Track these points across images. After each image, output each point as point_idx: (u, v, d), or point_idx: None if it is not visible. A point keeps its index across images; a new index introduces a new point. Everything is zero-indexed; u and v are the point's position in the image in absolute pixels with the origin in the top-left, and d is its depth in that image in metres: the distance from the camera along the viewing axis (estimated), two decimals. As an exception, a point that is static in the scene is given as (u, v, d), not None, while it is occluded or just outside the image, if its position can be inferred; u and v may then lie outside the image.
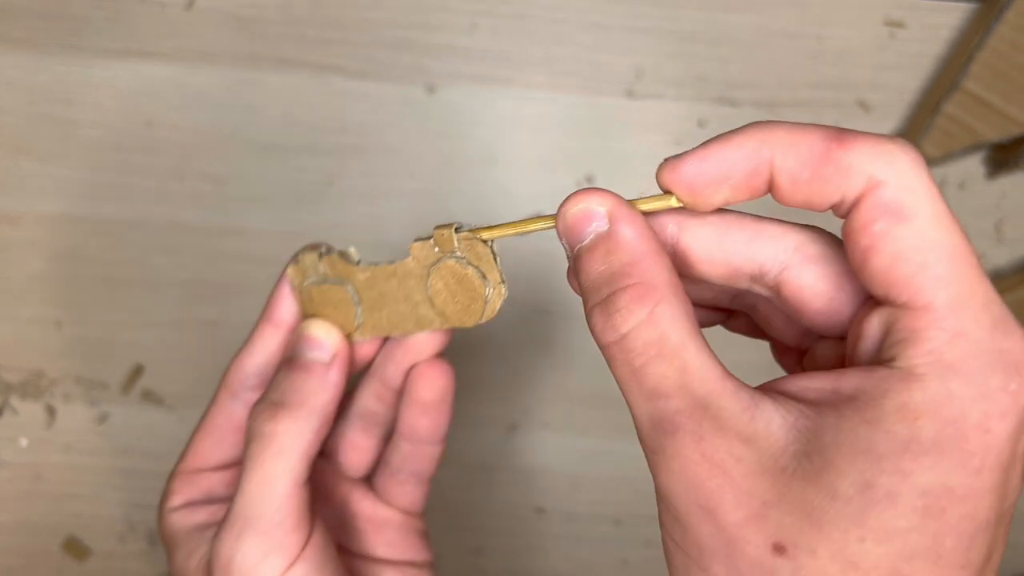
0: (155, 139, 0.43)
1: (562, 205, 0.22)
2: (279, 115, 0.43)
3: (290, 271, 0.27)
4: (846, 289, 0.21)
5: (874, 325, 0.20)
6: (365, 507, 0.30)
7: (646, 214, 0.22)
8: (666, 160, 0.21)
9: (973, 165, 0.44)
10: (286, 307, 0.28)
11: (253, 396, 0.28)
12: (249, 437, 0.25)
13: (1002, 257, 0.44)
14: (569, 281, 0.24)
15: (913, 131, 0.43)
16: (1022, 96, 0.41)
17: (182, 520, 0.28)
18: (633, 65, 0.43)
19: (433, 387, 0.28)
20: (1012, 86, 0.41)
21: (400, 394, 0.29)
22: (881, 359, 0.19)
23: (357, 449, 0.30)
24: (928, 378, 0.18)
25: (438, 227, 0.24)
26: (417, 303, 0.26)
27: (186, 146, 0.43)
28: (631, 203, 0.22)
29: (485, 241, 0.24)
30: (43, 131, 0.43)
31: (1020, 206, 0.44)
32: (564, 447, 0.45)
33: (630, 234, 0.21)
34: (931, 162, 0.42)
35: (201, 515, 0.28)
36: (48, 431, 0.44)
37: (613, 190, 0.22)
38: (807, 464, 0.18)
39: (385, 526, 0.30)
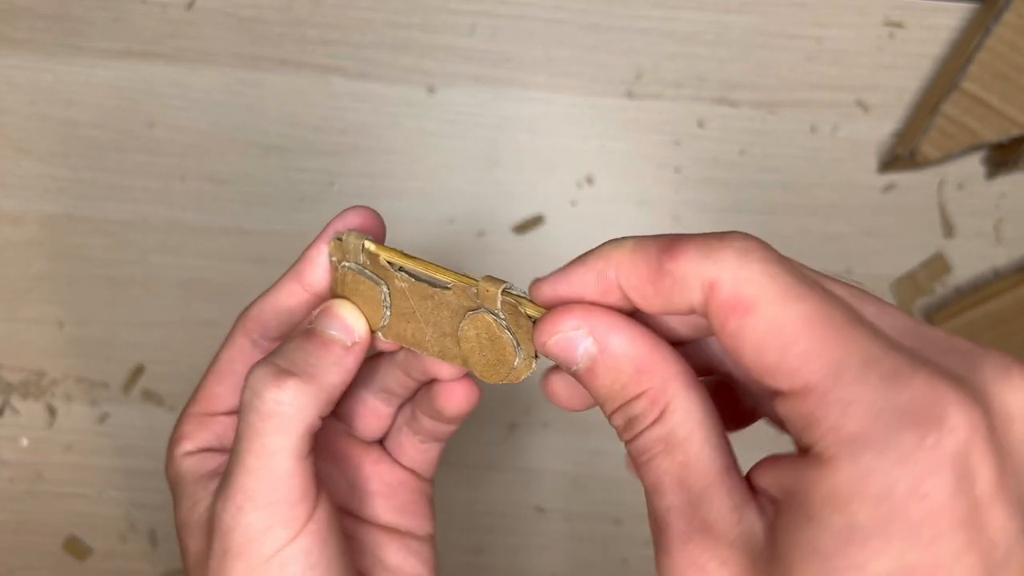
0: (156, 139, 0.43)
1: (537, 334, 0.21)
2: (280, 115, 0.43)
3: (331, 245, 0.26)
4: None
5: (781, 417, 0.19)
6: (380, 470, 0.30)
7: (530, 318, 0.22)
8: (535, 281, 0.22)
9: (972, 165, 0.44)
10: (318, 273, 0.26)
11: (272, 346, 0.27)
12: (247, 400, 0.24)
13: (1001, 257, 0.44)
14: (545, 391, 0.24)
15: (912, 132, 0.43)
16: (1021, 97, 0.41)
17: (193, 466, 0.27)
18: (633, 65, 0.43)
19: (458, 406, 0.27)
20: (1011, 86, 0.41)
21: (422, 384, 0.28)
22: (801, 449, 0.19)
23: (374, 415, 0.30)
24: (839, 459, 0.17)
25: (487, 278, 0.23)
26: (445, 334, 0.25)
27: (187, 146, 0.43)
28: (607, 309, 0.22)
29: (530, 317, 0.23)
30: (45, 131, 0.43)
31: (1019, 206, 0.44)
32: (564, 447, 0.45)
33: (623, 345, 0.20)
34: (930, 162, 0.42)
35: (212, 463, 0.27)
36: (49, 431, 0.44)
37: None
38: (775, 567, 0.18)
39: (399, 489, 0.30)
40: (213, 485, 0.26)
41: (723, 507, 0.19)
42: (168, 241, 0.44)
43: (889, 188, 0.44)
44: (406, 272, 0.25)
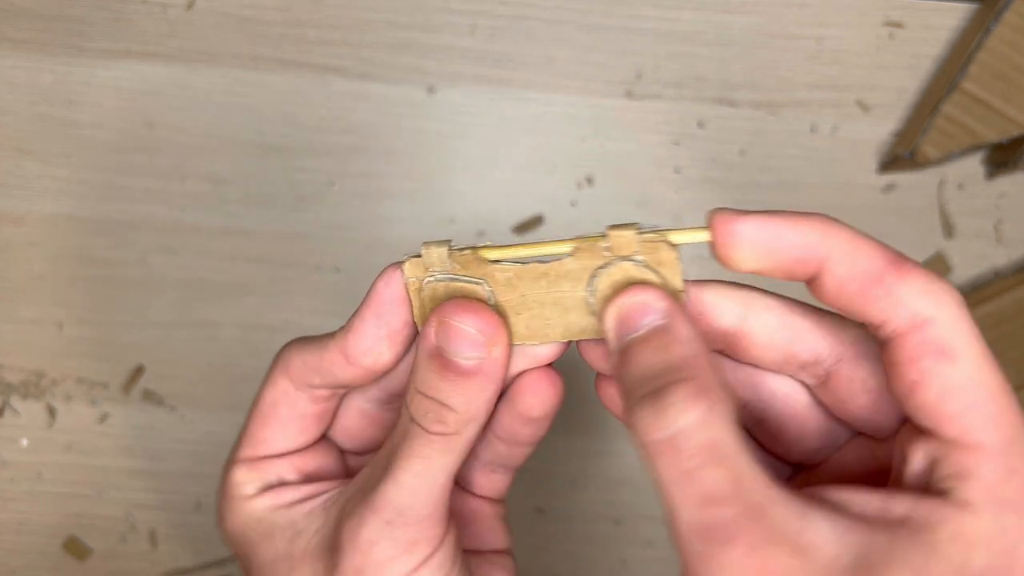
0: (156, 139, 0.43)
1: (616, 297, 0.22)
2: (280, 116, 0.43)
3: (408, 267, 0.24)
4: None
5: (920, 455, 0.20)
6: (454, 501, 0.28)
7: (675, 246, 0.22)
8: (724, 210, 0.21)
9: (972, 165, 0.44)
10: (365, 345, 0.24)
11: (318, 393, 0.26)
12: (417, 416, 0.24)
13: (1001, 257, 0.44)
14: (598, 390, 0.24)
15: (912, 132, 0.43)
16: (1020, 97, 0.41)
17: (267, 504, 0.26)
18: (632, 66, 0.43)
19: (543, 402, 0.26)
20: (1011, 87, 0.41)
21: (502, 396, 0.26)
22: (933, 489, 0.20)
23: None
24: (983, 512, 0.19)
25: (612, 227, 0.22)
26: (568, 308, 0.23)
27: (187, 146, 0.43)
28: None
29: (674, 245, 0.22)
30: (45, 132, 0.43)
31: (1019, 206, 0.44)
32: (564, 447, 0.45)
33: (689, 332, 0.21)
34: (930, 163, 0.42)
35: (288, 495, 0.26)
36: (49, 431, 0.44)
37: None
38: None
39: (473, 518, 0.29)
40: (310, 511, 0.25)
41: (785, 517, 0.19)
42: (168, 241, 0.44)
43: (889, 188, 0.44)
44: (509, 261, 0.23)
